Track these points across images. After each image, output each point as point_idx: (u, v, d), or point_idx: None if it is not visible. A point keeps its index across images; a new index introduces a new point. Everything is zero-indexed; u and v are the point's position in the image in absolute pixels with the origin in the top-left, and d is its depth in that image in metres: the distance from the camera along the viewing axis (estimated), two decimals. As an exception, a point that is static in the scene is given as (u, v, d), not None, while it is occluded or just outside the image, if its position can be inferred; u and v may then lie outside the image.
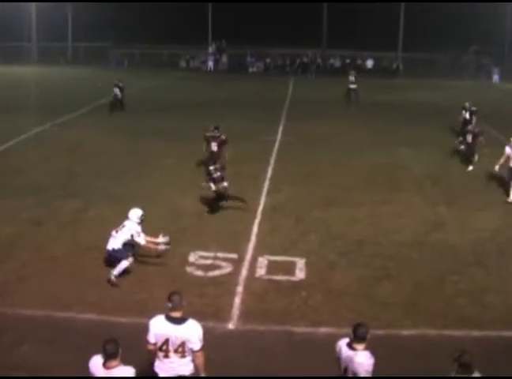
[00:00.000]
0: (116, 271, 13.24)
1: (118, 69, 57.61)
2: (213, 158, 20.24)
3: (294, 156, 24.37)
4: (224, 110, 34.88)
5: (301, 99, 38.64)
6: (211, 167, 17.79)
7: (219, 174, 17.59)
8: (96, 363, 7.80)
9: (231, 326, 11.61)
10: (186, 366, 8.37)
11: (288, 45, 61.72)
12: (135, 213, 13.57)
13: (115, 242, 13.43)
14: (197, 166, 21.89)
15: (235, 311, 12.17)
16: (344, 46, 62.29)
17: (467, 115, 27.19)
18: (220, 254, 14.73)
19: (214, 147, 21.04)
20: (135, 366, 7.90)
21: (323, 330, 11.50)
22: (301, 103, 38.25)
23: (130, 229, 13.42)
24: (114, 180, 20.75)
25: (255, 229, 16.56)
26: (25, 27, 66.87)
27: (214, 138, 21.14)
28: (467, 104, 27.67)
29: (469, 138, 23.44)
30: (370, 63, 64.51)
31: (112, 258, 13.49)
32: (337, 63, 64.84)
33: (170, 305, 8.36)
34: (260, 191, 19.86)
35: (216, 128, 21.39)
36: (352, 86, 39.85)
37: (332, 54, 65.57)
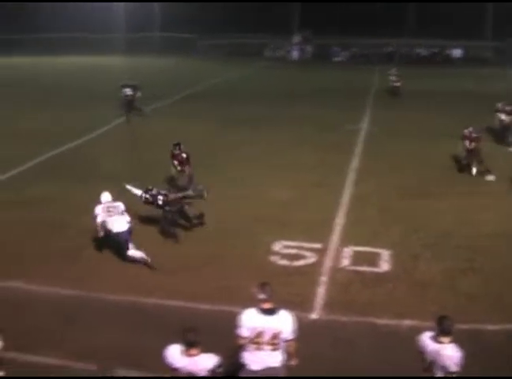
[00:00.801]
0: (135, 250, 13.62)
1: (204, 60, 58.17)
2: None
3: (378, 146, 24.06)
4: (308, 100, 34.87)
5: (386, 89, 38.08)
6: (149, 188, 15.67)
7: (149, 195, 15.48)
8: (175, 352, 7.82)
9: (314, 316, 11.55)
10: (277, 358, 8.30)
11: (373, 34, 60.94)
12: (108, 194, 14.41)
13: (123, 222, 13.80)
14: (277, 155, 21.82)
15: (319, 301, 12.10)
16: (432, 36, 61.02)
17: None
18: (304, 244, 14.66)
19: (178, 166, 19.00)
20: (218, 354, 7.92)
21: (407, 322, 11.29)
22: (386, 93, 37.73)
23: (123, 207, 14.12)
24: (199, 168, 20.88)
25: (339, 219, 16.43)
26: (114, 18, 68.21)
27: (175, 156, 19.01)
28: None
29: None
30: (458, 52, 63.10)
31: (125, 239, 13.73)
32: (424, 52, 63.66)
33: (262, 296, 8.28)
34: (344, 181, 19.72)
35: (177, 144, 19.12)
36: (396, 84, 37.36)
37: (418, 43, 64.35)
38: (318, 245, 14.62)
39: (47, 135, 26.06)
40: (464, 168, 20.73)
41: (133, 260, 13.60)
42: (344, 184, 19.45)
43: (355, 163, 21.91)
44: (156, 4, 69.06)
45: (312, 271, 13.43)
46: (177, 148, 18.96)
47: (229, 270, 13.37)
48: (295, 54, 65.45)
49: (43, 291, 12.54)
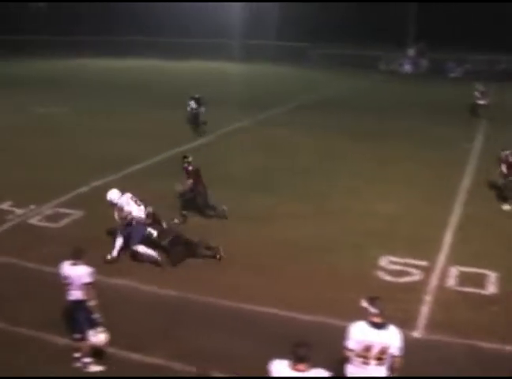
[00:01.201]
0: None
1: (315, 69, 58.20)
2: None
3: (491, 165, 23.41)
4: (419, 114, 34.37)
5: (503, 107, 36.97)
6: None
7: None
8: (281, 367, 7.65)
9: (417, 334, 11.40)
10: (381, 373, 8.22)
11: (488, 50, 59.21)
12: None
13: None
14: (388, 168, 21.63)
15: (422, 320, 11.93)
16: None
17: None
18: (410, 260, 14.49)
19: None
20: (318, 366, 7.81)
21: (509, 348, 11.02)
22: (503, 110, 36.64)
23: None
24: (305, 177, 20.97)
25: (447, 238, 16.13)
26: (231, 24, 69.18)
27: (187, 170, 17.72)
28: None
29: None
30: None
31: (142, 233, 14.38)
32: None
33: (373, 310, 8.24)
34: (454, 199, 19.32)
35: (185, 157, 18.00)
36: (481, 101, 33.71)
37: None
38: (424, 263, 14.41)
39: (169, 136, 26.90)
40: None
41: (140, 256, 14.03)
42: (454, 202, 19.08)
43: (467, 181, 21.44)
44: (272, 11, 69.59)
45: (417, 288, 13.25)
46: (185, 160, 17.77)
47: (334, 282, 13.38)
48: (407, 67, 64.51)
49: (147, 290, 12.90)
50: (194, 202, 17.44)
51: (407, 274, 13.89)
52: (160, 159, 23.34)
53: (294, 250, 15.00)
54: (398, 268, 14.18)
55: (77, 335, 10.39)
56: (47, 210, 17.71)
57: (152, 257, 14.03)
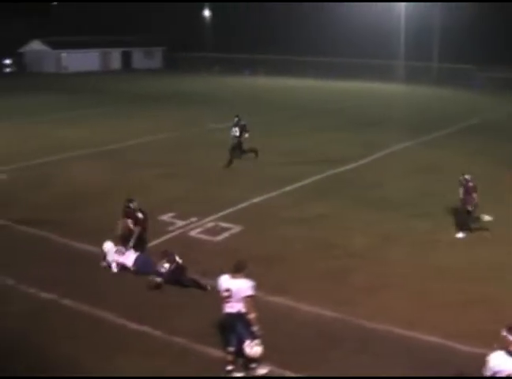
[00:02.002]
0: None
1: (481, 92, 56.51)
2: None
3: None
4: None
5: None
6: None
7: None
8: None
9: None
10: None
11: None
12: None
13: None
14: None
15: None
16: None
17: None
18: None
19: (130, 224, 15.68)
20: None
21: None
22: None
23: None
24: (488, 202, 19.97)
25: None
26: (394, 46, 68.62)
27: (127, 214, 15.79)
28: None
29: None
30: None
31: None
32: None
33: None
34: None
35: (129, 200, 15.90)
36: None
37: None
38: None
39: (324, 155, 27.04)
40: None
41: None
42: None
43: None
44: (433, 34, 68.32)
45: None
46: (129, 204, 15.84)
47: (492, 312, 12.80)
48: None
49: (305, 310, 12.94)
50: None
51: None
52: (318, 179, 23.47)
53: (457, 275, 14.65)
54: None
55: (232, 349, 10.52)
56: (208, 223, 18.24)
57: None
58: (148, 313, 12.67)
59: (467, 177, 17.83)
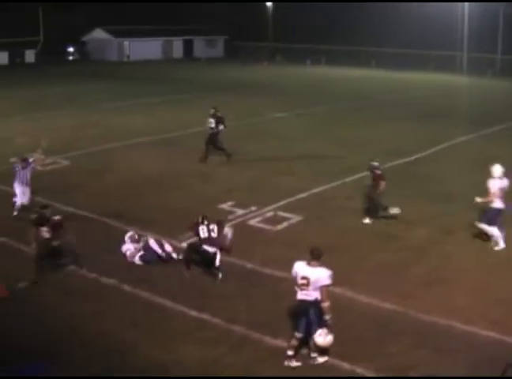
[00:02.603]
0: None
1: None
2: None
3: None
4: None
5: None
6: None
7: None
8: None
9: None
10: None
11: None
12: None
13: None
14: None
15: None
16: None
17: None
18: None
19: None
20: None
21: None
22: None
23: None
24: None
25: None
26: (457, 37, 67.53)
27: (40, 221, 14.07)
28: None
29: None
30: None
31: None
32: None
33: None
34: None
35: (43, 207, 14.58)
36: None
37: None
38: None
39: (386, 147, 26.89)
40: None
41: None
42: None
43: None
44: (500, 24, 66.90)
45: None
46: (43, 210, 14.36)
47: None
48: None
49: (365, 301, 12.91)
50: None
51: None
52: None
53: None
54: None
55: (299, 335, 10.54)
56: (267, 212, 18.31)
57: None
58: (207, 301, 12.79)
59: (375, 163, 17.56)
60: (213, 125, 24.32)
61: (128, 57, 76.88)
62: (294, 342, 10.57)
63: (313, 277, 10.26)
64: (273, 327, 11.51)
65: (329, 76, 60.40)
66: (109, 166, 23.39)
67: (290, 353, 10.56)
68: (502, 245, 15.74)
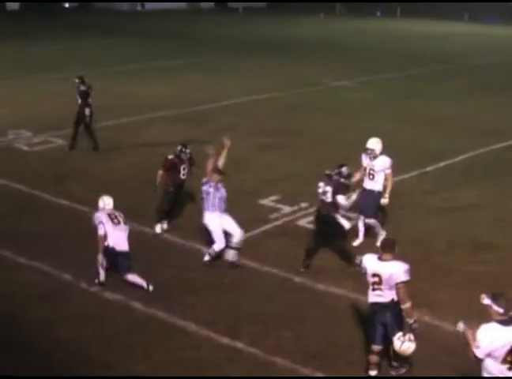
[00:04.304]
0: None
1: None
2: None
3: None
4: None
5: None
6: None
7: None
8: None
9: None
10: None
11: None
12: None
13: (125, 239, 14.05)
14: None
15: None
16: None
17: None
18: None
19: None
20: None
21: None
22: None
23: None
24: None
25: None
26: None
27: None
28: None
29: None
30: None
31: (126, 264, 14.04)
32: None
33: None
34: None
35: None
36: None
37: None
38: None
39: (476, 127, 26.75)
40: None
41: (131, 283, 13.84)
42: None
43: None
44: None
45: None
46: None
47: None
48: None
49: (450, 330, 12.74)
50: None
51: None
52: (468, 157, 23.18)
53: None
54: None
55: (378, 347, 10.66)
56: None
57: (141, 283, 14.03)
58: (242, 324, 12.76)
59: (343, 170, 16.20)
60: (79, 102, 23.01)
61: (143, 5, 76.93)
62: (374, 358, 10.69)
63: (385, 274, 10.36)
64: (327, 360, 11.48)
65: (404, 32, 60.15)
66: (117, 148, 23.50)
67: (373, 373, 10.65)
68: None
